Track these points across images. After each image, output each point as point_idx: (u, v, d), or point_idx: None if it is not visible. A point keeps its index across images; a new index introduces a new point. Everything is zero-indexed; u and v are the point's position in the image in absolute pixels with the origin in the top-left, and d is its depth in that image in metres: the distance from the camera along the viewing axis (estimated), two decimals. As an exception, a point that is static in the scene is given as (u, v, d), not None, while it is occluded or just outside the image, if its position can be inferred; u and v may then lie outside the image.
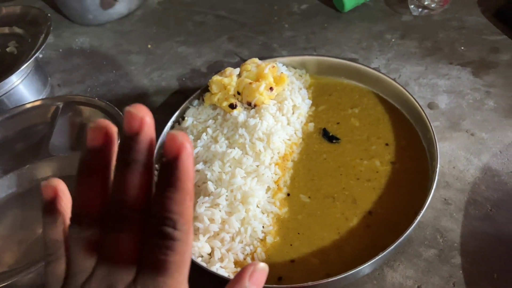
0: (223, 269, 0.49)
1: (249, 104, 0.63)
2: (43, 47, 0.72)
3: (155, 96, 0.80)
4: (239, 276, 0.26)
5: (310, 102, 0.67)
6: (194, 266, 0.48)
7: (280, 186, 0.57)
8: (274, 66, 0.65)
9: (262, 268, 0.27)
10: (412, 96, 0.60)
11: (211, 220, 0.52)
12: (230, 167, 0.56)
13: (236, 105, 0.62)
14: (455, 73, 0.72)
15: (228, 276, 0.49)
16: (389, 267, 0.51)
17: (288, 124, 0.62)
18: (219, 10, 0.98)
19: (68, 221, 0.24)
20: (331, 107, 0.66)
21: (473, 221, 0.53)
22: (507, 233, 0.52)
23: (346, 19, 0.88)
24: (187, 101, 0.67)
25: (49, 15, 0.78)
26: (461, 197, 0.56)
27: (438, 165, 0.52)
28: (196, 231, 0.51)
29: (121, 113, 0.61)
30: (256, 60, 0.67)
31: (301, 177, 0.58)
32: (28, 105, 0.68)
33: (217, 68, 0.82)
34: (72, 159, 0.61)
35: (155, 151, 0.27)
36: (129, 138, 0.21)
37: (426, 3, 0.84)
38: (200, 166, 0.58)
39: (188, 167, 0.21)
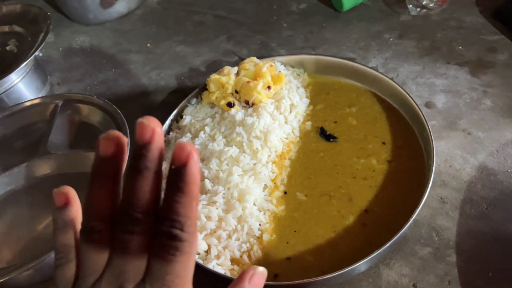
0: (220, 266, 0.50)
1: (247, 102, 0.63)
2: (42, 45, 0.72)
3: (154, 94, 0.80)
4: (239, 278, 0.28)
5: (308, 101, 0.67)
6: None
7: (277, 184, 0.57)
8: (272, 65, 0.65)
9: (261, 272, 0.29)
10: (409, 95, 0.60)
11: (208, 218, 0.52)
12: (227, 165, 0.56)
13: (234, 104, 0.63)
14: (452, 73, 0.72)
15: (225, 273, 0.49)
16: (384, 265, 0.51)
17: (286, 122, 0.62)
18: (218, 10, 0.99)
19: (79, 226, 0.26)
20: (328, 106, 0.67)
21: (469, 219, 0.53)
22: (503, 231, 0.52)
23: (345, 19, 0.88)
24: (185, 100, 0.67)
25: (49, 14, 0.79)
26: (457, 196, 0.56)
27: (434, 164, 0.52)
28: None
29: (119, 111, 0.62)
30: (254, 59, 0.68)
31: (298, 175, 0.58)
32: (27, 103, 0.69)
33: (215, 67, 0.82)
34: (70, 157, 0.61)
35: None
36: (141, 147, 0.23)
37: (424, 2, 0.84)
38: (197, 164, 0.58)
39: (195, 173, 0.23)
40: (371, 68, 0.67)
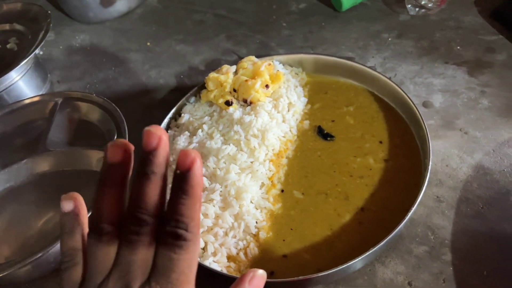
0: (216, 263, 0.50)
1: (245, 101, 0.63)
2: (42, 44, 0.73)
3: (153, 93, 0.81)
4: (240, 280, 0.29)
5: (306, 100, 0.67)
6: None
7: (274, 182, 0.57)
8: (270, 64, 0.66)
9: (261, 274, 0.30)
10: (407, 95, 0.61)
11: (205, 215, 0.52)
12: (225, 163, 0.57)
13: (232, 102, 0.63)
14: (450, 73, 0.72)
15: (221, 270, 0.49)
16: (380, 263, 0.51)
17: (283, 121, 0.63)
18: (219, 9, 0.99)
19: (86, 230, 0.27)
20: (326, 105, 0.67)
21: (464, 218, 0.54)
22: (498, 231, 0.52)
23: (344, 19, 0.88)
24: (184, 98, 0.68)
25: (49, 12, 0.79)
26: (453, 195, 0.56)
27: (431, 163, 0.52)
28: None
29: (118, 109, 0.62)
30: (253, 57, 0.68)
31: (295, 174, 0.59)
32: (27, 101, 0.69)
33: (215, 66, 0.83)
34: (69, 154, 0.62)
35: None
36: (148, 153, 0.25)
37: (423, 2, 0.84)
38: (195, 162, 0.58)
39: (199, 177, 0.25)
40: (369, 67, 0.67)
